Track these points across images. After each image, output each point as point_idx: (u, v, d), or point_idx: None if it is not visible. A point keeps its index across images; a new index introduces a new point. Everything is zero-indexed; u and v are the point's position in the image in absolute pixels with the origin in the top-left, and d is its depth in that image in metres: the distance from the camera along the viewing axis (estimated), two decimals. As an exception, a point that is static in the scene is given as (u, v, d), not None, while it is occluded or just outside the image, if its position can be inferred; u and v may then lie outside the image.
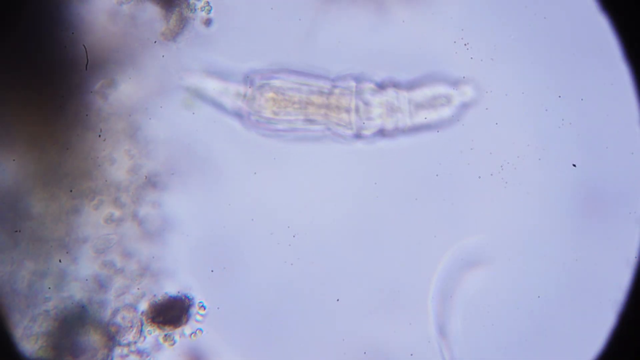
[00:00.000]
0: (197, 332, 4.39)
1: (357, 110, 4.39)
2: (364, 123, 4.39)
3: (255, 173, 4.41)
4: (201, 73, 4.37)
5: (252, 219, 4.40)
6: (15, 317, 4.22)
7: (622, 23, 4.31)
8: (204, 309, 4.38)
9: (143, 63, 4.32)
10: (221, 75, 4.39)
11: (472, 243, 4.40)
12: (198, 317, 4.37)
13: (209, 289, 4.38)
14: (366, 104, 4.39)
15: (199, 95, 4.37)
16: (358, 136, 4.40)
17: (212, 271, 4.38)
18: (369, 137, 4.41)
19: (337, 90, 4.39)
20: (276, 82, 4.39)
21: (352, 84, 4.39)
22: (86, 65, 4.27)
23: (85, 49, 4.26)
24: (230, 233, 4.40)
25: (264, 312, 4.41)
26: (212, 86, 4.38)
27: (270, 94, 4.38)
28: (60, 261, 4.26)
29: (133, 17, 4.31)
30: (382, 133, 4.40)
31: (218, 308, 4.39)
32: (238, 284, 4.40)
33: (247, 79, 4.39)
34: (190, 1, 4.35)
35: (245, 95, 4.39)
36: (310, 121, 4.39)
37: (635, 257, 4.34)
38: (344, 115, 4.39)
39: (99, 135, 4.29)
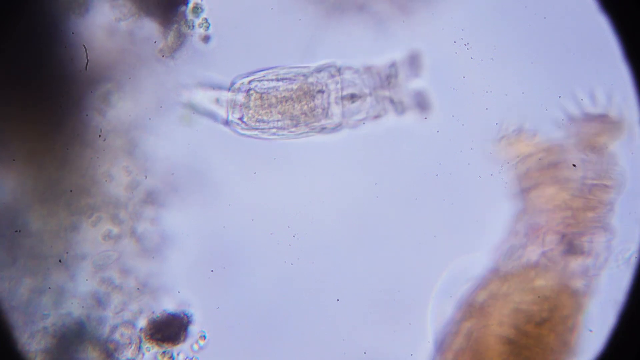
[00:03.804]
0: (193, 359, 4.39)
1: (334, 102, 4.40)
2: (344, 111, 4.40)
3: (255, 173, 4.41)
4: (197, 87, 4.37)
5: (252, 219, 4.41)
6: (14, 334, 4.23)
7: (622, 23, 4.30)
8: (204, 339, 4.38)
9: (141, 80, 4.33)
10: (215, 87, 4.39)
11: (470, 259, 4.40)
12: (195, 347, 4.38)
13: (209, 290, 4.39)
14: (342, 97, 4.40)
15: (196, 109, 4.37)
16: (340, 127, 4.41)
17: (212, 271, 4.38)
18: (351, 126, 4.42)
19: (316, 86, 4.38)
20: (258, 86, 4.38)
21: (332, 76, 4.39)
22: (86, 66, 4.27)
23: (85, 48, 4.26)
24: (230, 233, 4.41)
25: (264, 312, 4.41)
26: (205, 97, 4.38)
27: (253, 100, 4.37)
28: (60, 261, 4.27)
29: (131, 34, 4.31)
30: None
31: (218, 308, 4.40)
32: (238, 284, 4.40)
33: (230, 88, 4.39)
34: (188, 18, 4.34)
35: (229, 103, 4.38)
36: (294, 120, 4.38)
37: (635, 257, 4.34)
38: (321, 112, 4.39)
39: (99, 136, 4.30)
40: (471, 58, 4.41)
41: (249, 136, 4.38)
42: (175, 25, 4.29)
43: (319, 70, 4.38)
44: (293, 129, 4.37)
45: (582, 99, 4.38)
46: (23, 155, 4.24)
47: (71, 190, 4.27)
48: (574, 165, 4.37)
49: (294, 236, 4.40)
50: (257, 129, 4.37)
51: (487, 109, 4.41)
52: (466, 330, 4.30)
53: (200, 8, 4.36)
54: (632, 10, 4.31)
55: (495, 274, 4.32)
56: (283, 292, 4.41)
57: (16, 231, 4.23)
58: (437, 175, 4.41)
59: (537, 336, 4.24)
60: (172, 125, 4.37)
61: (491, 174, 4.40)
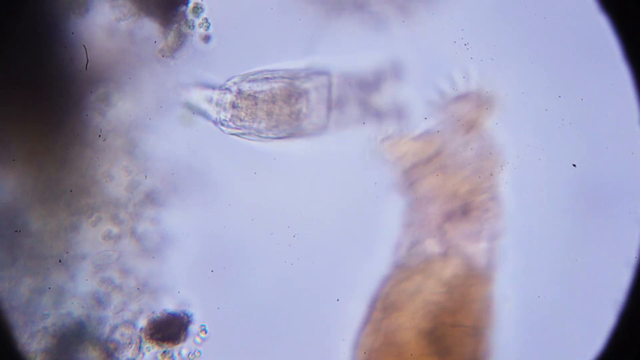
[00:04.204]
0: (196, 352, 4.39)
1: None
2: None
3: (255, 173, 4.41)
4: (194, 87, 4.37)
5: (252, 219, 4.41)
6: (14, 334, 4.23)
7: (622, 23, 4.30)
8: (205, 332, 4.38)
9: (141, 80, 4.33)
10: (210, 86, 4.39)
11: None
12: (197, 339, 4.38)
13: (209, 290, 4.39)
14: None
15: (192, 108, 4.37)
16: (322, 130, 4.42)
17: (212, 271, 4.38)
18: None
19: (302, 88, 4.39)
20: (246, 87, 4.38)
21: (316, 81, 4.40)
22: (86, 66, 4.27)
23: (85, 48, 4.26)
24: (230, 233, 4.40)
25: (264, 312, 4.41)
26: (200, 96, 4.38)
27: (240, 100, 4.37)
28: (60, 261, 4.27)
29: (131, 34, 4.31)
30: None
31: (218, 308, 4.40)
32: (238, 283, 4.40)
33: (219, 87, 4.39)
34: (188, 18, 4.35)
35: (217, 102, 4.38)
36: (279, 122, 4.38)
37: (635, 257, 4.34)
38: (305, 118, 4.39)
39: (99, 136, 4.30)
40: (471, 58, 4.42)
41: (236, 135, 4.38)
42: (176, 25, 4.29)
43: (307, 73, 4.38)
44: (277, 131, 4.37)
45: (442, 84, 4.38)
46: (23, 155, 4.24)
47: (71, 191, 4.27)
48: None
49: (294, 236, 4.40)
50: (242, 128, 4.37)
51: (487, 108, 4.41)
52: (383, 329, 4.32)
53: (201, 8, 4.36)
54: (632, 10, 4.31)
55: (402, 270, 4.33)
56: (283, 292, 4.41)
57: (16, 231, 4.24)
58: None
59: (454, 323, 4.27)
60: (172, 125, 4.37)
61: (491, 174, 4.40)
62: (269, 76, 4.38)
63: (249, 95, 4.36)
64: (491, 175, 4.30)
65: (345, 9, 4.38)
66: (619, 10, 4.30)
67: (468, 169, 4.29)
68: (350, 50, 4.40)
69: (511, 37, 4.42)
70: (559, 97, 4.40)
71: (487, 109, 4.30)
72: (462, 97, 4.34)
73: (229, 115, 4.37)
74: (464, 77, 4.40)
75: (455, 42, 4.41)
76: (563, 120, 4.40)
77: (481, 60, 4.40)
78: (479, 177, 4.28)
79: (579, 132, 4.41)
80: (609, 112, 4.39)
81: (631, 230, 4.36)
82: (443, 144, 4.32)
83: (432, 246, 4.31)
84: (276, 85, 4.37)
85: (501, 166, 4.32)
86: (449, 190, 4.28)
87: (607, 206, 4.38)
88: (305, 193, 4.42)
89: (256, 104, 4.36)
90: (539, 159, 4.40)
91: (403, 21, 4.41)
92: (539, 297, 4.36)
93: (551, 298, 4.38)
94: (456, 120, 4.32)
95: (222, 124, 4.37)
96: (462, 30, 4.41)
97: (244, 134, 4.38)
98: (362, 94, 4.39)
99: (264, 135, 4.38)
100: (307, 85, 4.38)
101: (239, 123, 4.37)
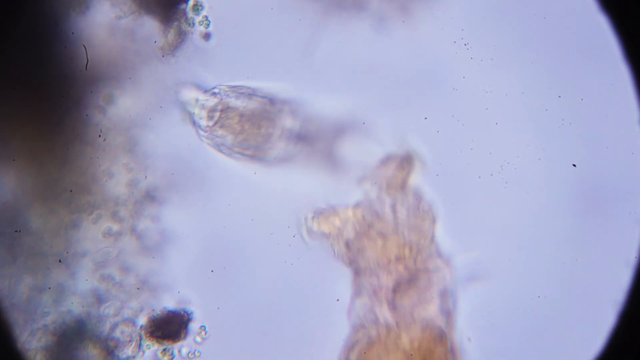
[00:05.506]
0: (196, 352, 4.39)
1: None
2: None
3: (255, 173, 4.41)
4: (190, 87, 4.37)
5: (252, 219, 4.40)
6: (14, 331, 4.22)
7: (622, 23, 4.31)
8: (206, 332, 4.38)
9: (141, 77, 4.33)
10: (201, 87, 4.39)
11: (472, 257, 4.39)
12: (198, 339, 4.37)
13: (209, 290, 4.38)
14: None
15: (186, 108, 4.37)
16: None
17: (212, 271, 4.38)
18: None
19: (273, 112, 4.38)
20: (224, 99, 4.36)
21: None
22: (86, 65, 4.27)
23: (85, 48, 4.27)
24: (230, 233, 4.40)
25: (264, 312, 4.41)
26: (191, 96, 4.37)
27: (218, 110, 4.36)
28: (60, 261, 4.26)
29: (131, 31, 4.31)
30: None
31: (218, 308, 4.39)
32: (238, 284, 4.39)
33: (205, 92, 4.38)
34: (188, 15, 4.35)
35: (200, 107, 4.37)
36: (247, 141, 4.37)
37: (635, 257, 4.34)
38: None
39: (99, 135, 4.30)
40: (471, 58, 4.42)
41: (208, 145, 4.37)
42: (176, 23, 4.30)
43: (285, 101, 4.36)
44: (244, 147, 4.35)
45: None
46: (23, 155, 4.24)
47: (71, 190, 4.27)
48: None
49: (294, 236, 4.40)
50: (213, 139, 4.35)
51: (487, 109, 4.41)
52: None
53: (201, 5, 4.36)
54: (632, 10, 4.32)
55: (361, 340, 4.32)
56: (283, 292, 4.41)
57: (16, 231, 4.24)
58: (437, 175, 4.41)
59: None
60: (173, 123, 4.37)
61: (491, 174, 4.40)
62: (250, 93, 4.36)
63: (227, 107, 4.34)
64: (428, 232, 4.29)
65: (345, 8, 4.39)
66: (619, 10, 4.30)
67: (405, 231, 4.27)
68: (350, 49, 4.41)
69: (511, 37, 4.42)
70: (559, 97, 4.41)
71: (410, 168, 4.29)
72: (384, 161, 4.33)
73: (204, 123, 4.35)
74: (463, 77, 4.41)
75: (455, 42, 4.42)
76: (563, 120, 4.40)
77: (481, 60, 4.41)
78: (415, 239, 4.26)
79: (579, 132, 4.41)
80: (609, 112, 4.40)
81: (631, 230, 4.36)
82: (376, 210, 4.30)
83: (386, 314, 4.29)
84: (255, 103, 4.35)
85: (435, 221, 4.31)
86: (389, 256, 4.26)
87: (607, 206, 4.39)
88: (305, 193, 4.42)
89: (230, 117, 4.34)
90: (539, 159, 4.40)
91: (403, 21, 4.42)
92: (539, 297, 4.36)
93: (551, 298, 4.38)
94: (382, 183, 4.31)
95: (199, 129, 4.36)
96: (462, 30, 4.42)
97: (214, 144, 4.36)
98: (326, 139, 4.39)
99: (232, 150, 4.35)
100: (284, 112, 4.36)
101: (210, 134, 4.35)
